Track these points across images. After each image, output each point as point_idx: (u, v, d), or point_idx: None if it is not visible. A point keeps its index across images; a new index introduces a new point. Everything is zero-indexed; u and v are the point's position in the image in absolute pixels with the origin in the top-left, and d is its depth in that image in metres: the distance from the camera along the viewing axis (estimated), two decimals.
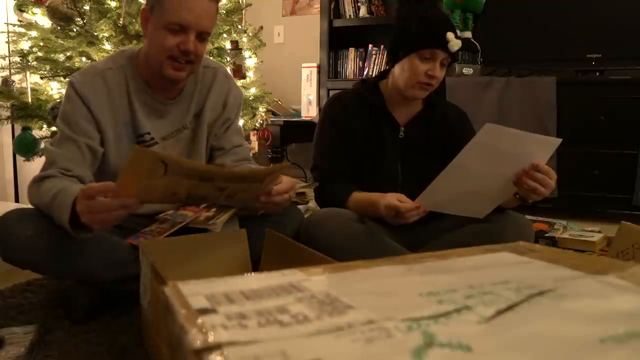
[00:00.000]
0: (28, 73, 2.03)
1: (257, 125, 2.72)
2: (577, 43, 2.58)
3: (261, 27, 2.64)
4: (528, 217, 1.50)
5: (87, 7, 1.96)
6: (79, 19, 1.94)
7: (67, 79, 1.96)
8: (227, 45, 2.39)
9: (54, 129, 2.00)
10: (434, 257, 0.60)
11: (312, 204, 1.55)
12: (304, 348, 0.34)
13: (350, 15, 3.31)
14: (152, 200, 1.02)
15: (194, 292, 0.44)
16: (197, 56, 1.19)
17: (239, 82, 2.43)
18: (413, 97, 1.39)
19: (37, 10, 2.05)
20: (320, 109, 3.28)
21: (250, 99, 2.53)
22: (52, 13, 1.93)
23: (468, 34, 2.79)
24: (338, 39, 3.32)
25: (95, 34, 1.93)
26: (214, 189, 1.01)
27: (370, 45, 3.28)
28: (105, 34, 1.94)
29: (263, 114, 2.70)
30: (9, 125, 2.52)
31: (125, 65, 1.25)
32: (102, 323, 1.15)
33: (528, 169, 1.15)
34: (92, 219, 0.95)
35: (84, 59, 2.00)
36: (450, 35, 1.31)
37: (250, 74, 2.59)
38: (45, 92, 2.07)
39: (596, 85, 2.50)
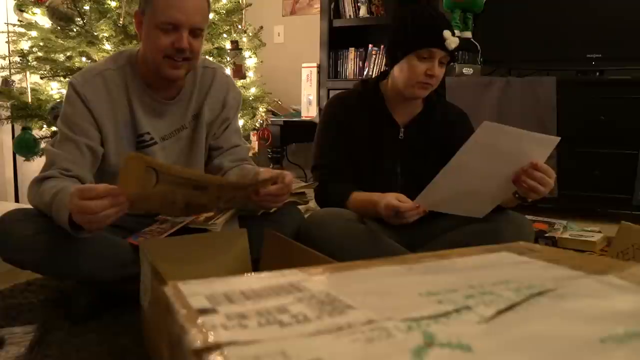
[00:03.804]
0: (28, 73, 2.03)
1: (257, 125, 2.72)
2: (577, 43, 2.58)
3: (261, 27, 2.64)
4: (528, 217, 1.50)
5: (87, 7, 1.96)
6: (79, 19, 1.94)
7: (67, 79, 1.96)
8: (227, 45, 2.39)
9: (54, 129, 2.00)
10: (434, 257, 0.60)
11: (312, 204, 1.54)
12: (304, 348, 0.34)
13: (350, 15, 3.31)
14: (151, 209, 1.03)
15: (194, 292, 0.44)
16: (193, 52, 1.19)
17: (239, 82, 2.43)
18: (413, 96, 1.39)
19: (37, 10, 2.05)
20: (320, 109, 3.28)
21: (250, 99, 2.53)
22: (52, 13, 1.93)
23: (468, 34, 2.79)
24: (338, 39, 3.32)
25: (95, 34, 1.93)
26: (210, 199, 1.02)
27: (370, 45, 3.28)
28: (105, 34, 1.94)
29: (263, 114, 2.70)
30: (9, 125, 2.53)
31: (124, 65, 1.25)
32: (102, 323, 1.15)
33: (527, 167, 1.15)
34: (81, 220, 0.95)
35: (84, 59, 2.00)
36: (447, 33, 1.31)
37: (250, 74, 2.59)
38: (45, 92, 2.07)
39: (596, 85, 2.50)
